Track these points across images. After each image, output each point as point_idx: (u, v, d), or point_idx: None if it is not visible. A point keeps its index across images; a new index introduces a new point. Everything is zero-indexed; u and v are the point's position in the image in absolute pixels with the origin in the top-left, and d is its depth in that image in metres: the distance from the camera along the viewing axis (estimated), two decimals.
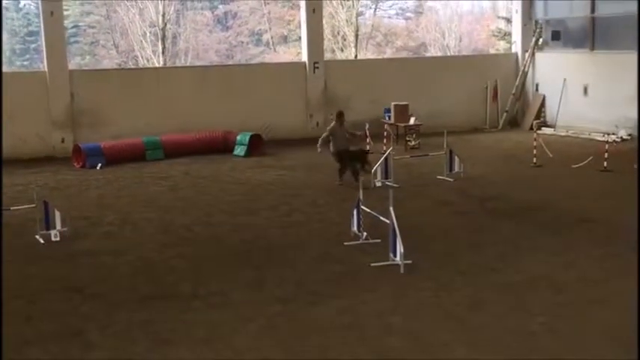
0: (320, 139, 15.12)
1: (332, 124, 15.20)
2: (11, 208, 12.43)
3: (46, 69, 20.31)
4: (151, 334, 7.50)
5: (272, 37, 41.96)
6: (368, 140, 19.28)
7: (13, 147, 19.63)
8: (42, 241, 11.22)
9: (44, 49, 20.54)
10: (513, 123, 24.19)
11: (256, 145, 19.59)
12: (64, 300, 8.63)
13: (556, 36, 23.68)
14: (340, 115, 15.20)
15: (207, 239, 11.31)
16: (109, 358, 6.98)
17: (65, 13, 23.06)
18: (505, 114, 24.09)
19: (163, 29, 35.24)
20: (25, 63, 44.66)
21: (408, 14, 45.21)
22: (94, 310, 8.27)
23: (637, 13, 19.54)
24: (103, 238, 11.56)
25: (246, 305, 8.30)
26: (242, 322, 7.78)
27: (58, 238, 11.31)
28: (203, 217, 12.72)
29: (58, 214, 11.48)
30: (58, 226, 11.44)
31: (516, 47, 24.84)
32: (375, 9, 42.14)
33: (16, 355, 7.08)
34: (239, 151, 19.53)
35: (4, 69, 20.66)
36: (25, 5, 50.19)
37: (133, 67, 34.30)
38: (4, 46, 48.69)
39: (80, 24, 41.91)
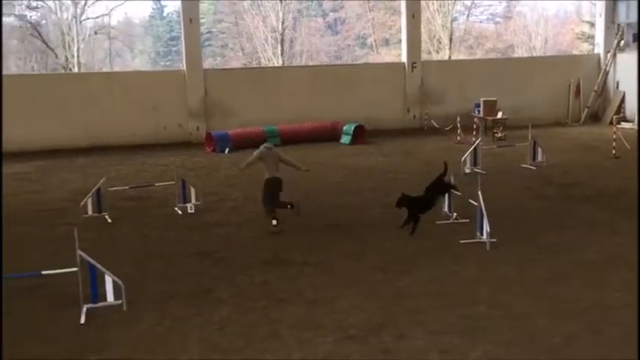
0: (245, 163, 11.13)
1: (261, 148, 10.94)
2: (155, 184, 12.97)
3: (184, 68, 20.99)
4: (269, 294, 7.68)
5: (375, 41, 41.71)
6: (459, 132, 18.93)
7: (156, 133, 20.50)
8: (179, 213, 11.65)
9: (183, 51, 21.22)
10: (594, 118, 23.14)
11: (360, 134, 19.59)
12: (197, 262, 8.94)
13: (637, 38, 22.40)
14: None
15: (316, 215, 11.42)
16: (235, 312, 7.18)
17: (201, 20, 23.69)
18: (587, 109, 23.06)
19: (282, 34, 35.69)
20: (168, 63, 46.30)
21: (498, 19, 43.88)
22: (221, 272, 8.53)
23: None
24: (230, 211, 11.88)
25: (349, 273, 8.36)
26: (346, 287, 7.84)
27: (192, 211, 11.71)
28: (312, 195, 12.85)
29: (193, 190, 11.89)
30: (193, 200, 11.86)
31: (599, 48, 23.68)
32: (468, 14, 41.13)
33: (160, 308, 7.39)
34: (345, 139, 19.58)
35: (150, 68, 21.47)
36: (168, 14, 51.92)
37: (256, 66, 34.94)
38: (150, 49, 50.69)
39: (213, 30, 43.02)
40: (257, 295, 7.64)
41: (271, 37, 36.02)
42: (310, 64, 35.33)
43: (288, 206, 10.76)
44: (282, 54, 35.57)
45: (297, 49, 38.81)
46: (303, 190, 13.28)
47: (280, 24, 35.47)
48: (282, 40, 35.80)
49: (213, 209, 11.92)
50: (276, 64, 34.69)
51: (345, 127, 19.79)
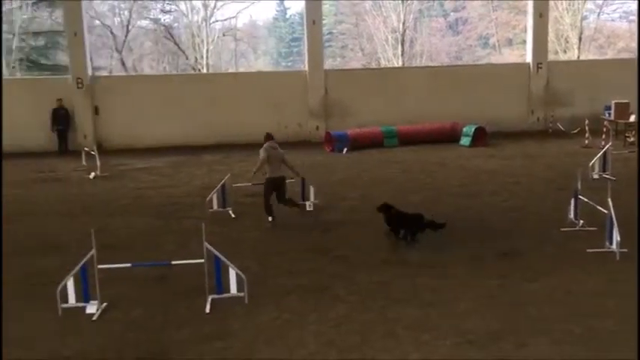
0: (256, 168, 11.18)
1: (265, 146, 11.10)
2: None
3: (306, 68, 21.38)
4: (386, 294, 7.67)
5: (498, 41, 40.56)
6: (587, 135, 18.05)
7: (277, 132, 20.92)
8: (298, 211, 11.87)
9: (306, 52, 21.62)
10: None
11: (480, 136, 19.13)
12: (315, 259, 9.08)
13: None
14: (269, 137, 11.44)
15: (435, 217, 11.26)
16: (352, 310, 7.24)
17: (322, 21, 24.03)
18: None
19: (403, 34, 35.49)
20: (289, 64, 47.30)
21: (632, 17, 41.34)
22: (339, 269, 8.62)
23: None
24: (347, 210, 11.97)
25: (468, 276, 8.19)
26: (464, 291, 7.69)
27: (311, 208, 11.91)
28: (431, 197, 12.71)
29: (312, 189, 12.09)
30: (312, 198, 12.05)
31: None
32: (600, 13, 39.06)
33: (279, 302, 7.59)
34: (464, 141, 19.20)
35: (272, 69, 22.04)
36: (290, 16, 53.06)
37: (375, 67, 34.97)
38: (273, 50, 52.03)
39: (333, 31, 43.48)
40: (374, 295, 7.66)
41: (392, 38, 35.92)
42: (430, 64, 34.92)
43: (297, 206, 11.07)
44: (402, 54, 35.37)
45: (417, 50, 38.46)
46: (422, 193, 13.16)
47: (401, 24, 35.29)
48: (403, 41, 35.60)
49: (331, 208, 12.06)
50: (396, 65, 34.55)
51: (464, 129, 19.40)
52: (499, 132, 20.05)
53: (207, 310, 7.28)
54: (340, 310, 7.27)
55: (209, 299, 7.44)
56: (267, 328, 6.84)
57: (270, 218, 11.04)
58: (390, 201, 10.38)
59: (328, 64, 37.21)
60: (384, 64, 35.77)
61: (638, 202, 11.07)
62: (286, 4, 52.91)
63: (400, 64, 34.90)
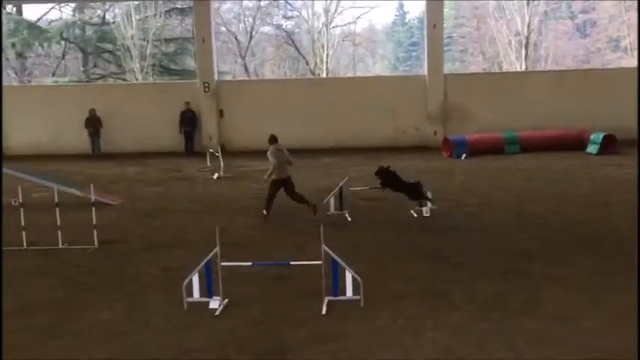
0: (269, 172, 11.71)
1: (271, 150, 11.62)
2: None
3: (425, 73, 21.17)
4: (505, 305, 7.43)
5: (630, 43, 38.26)
6: None
7: (394, 137, 20.96)
8: (415, 215, 11.76)
9: (425, 56, 21.41)
10: None
11: (610, 144, 18.14)
12: (432, 265, 8.95)
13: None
14: (274, 139, 11.81)
15: (559, 227, 10.81)
16: (470, 319, 7.07)
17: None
18: None
19: (527, 37, 34.31)
20: (407, 68, 47.04)
21: None
22: (456, 276, 8.44)
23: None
24: (465, 216, 11.72)
25: (595, 291, 7.76)
26: (591, 306, 7.30)
27: (428, 214, 11.75)
28: (555, 206, 12.19)
29: (429, 194, 11.93)
30: (429, 203, 11.90)
31: None
32: None
33: (395, 307, 7.54)
34: (591, 149, 18.29)
35: (390, 73, 21.99)
36: (409, 20, 52.75)
37: (497, 71, 34.05)
38: (391, 55, 51.92)
39: (453, 35, 42.79)
40: (492, 305, 7.44)
41: (515, 41, 34.81)
42: (556, 68, 33.53)
43: (307, 203, 11.61)
44: (525, 58, 34.20)
45: (541, 53, 37.06)
46: (543, 202, 12.67)
47: (525, 27, 34.13)
48: (527, 44, 34.41)
49: (448, 214, 11.86)
50: (519, 69, 33.46)
51: (592, 136, 18.47)
52: (632, 140, 18.89)
53: (324, 311, 7.35)
54: (457, 318, 7.11)
55: (325, 301, 7.51)
56: (383, 332, 6.81)
57: (265, 212, 11.61)
58: (509, 209, 10.10)
59: (447, 68, 36.73)
60: (505, 68, 34.75)
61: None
62: (405, 8, 52.67)
63: (523, 68, 33.77)
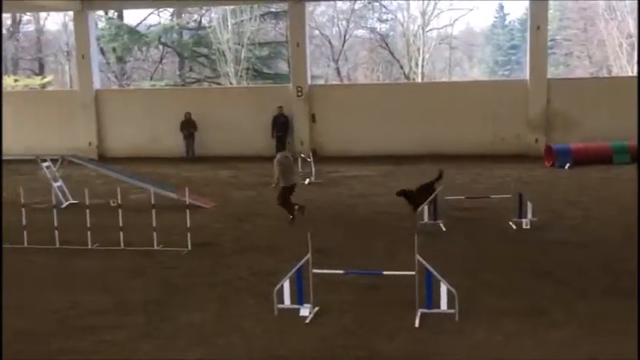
0: (275, 178, 12.23)
1: (278, 158, 12.24)
2: (491, 196, 12.98)
3: (527, 77, 20.62)
4: (609, 326, 7.12)
5: None
6: None
7: (492, 144, 20.53)
8: (514, 227, 11.48)
9: (527, 59, 20.88)
10: None
11: None
12: (532, 280, 8.70)
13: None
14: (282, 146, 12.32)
15: None
16: (572, 339, 6.83)
17: None
18: None
19: None
20: (506, 72, 45.94)
21: None
22: (558, 293, 8.17)
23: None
24: (568, 230, 11.34)
25: None
26: None
27: (528, 226, 11.43)
28: None
29: (529, 205, 11.61)
30: (529, 215, 11.57)
31: None
32: None
33: (492, 322, 7.38)
34: None
35: (488, 77, 21.55)
36: (509, 22, 51.52)
37: (606, 76, 32.72)
38: (489, 58, 50.87)
39: (557, 37, 41.45)
40: (596, 325, 7.15)
41: (626, 44, 33.34)
42: None
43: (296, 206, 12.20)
44: (638, 62, 32.69)
45: None
46: None
47: (638, 29, 32.62)
48: None
49: (550, 227, 11.50)
50: (630, 74, 32.00)
51: None
52: None
53: (417, 324, 7.30)
54: (557, 337, 6.89)
55: (418, 313, 7.46)
56: (479, 349, 6.69)
57: (291, 217, 12.13)
58: (615, 222, 9.69)
59: (550, 72, 35.64)
60: (615, 72, 33.34)
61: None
62: (506, 9, 51.46)
63: (635, 72, 32.28)
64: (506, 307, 7.70)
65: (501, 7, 51.34)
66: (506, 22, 51.82)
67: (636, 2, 32.21)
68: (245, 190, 16.10)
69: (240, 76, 32.49)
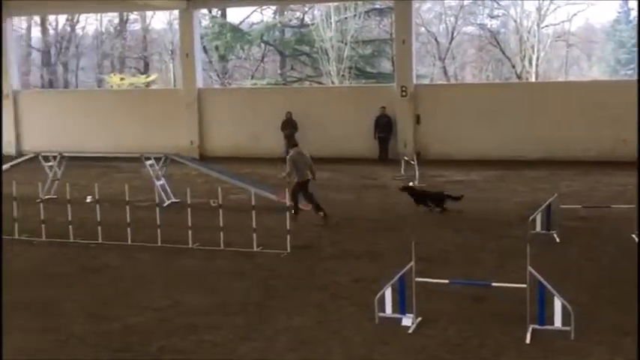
0: (286, 173, 12.89)
1: (292, 154, 12.86)
2: (611, 206, 12.42)
3: None
4: None
5: None
6: None
7: (613, 149, 19.66)
8: (636, 240, 10.92)
9: None
10: None
11: None
12: None
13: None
14: (294, 144, 13.35)
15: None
16: None
17: None
18: None
19: None
20: (629, 72, 43.84)
21: None
22: None
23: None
24: None
25: None
26: None
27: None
28: None
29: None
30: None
31: None
32: None
33: (612, 343, 7.06)
34: None
35: (608, 77, 20.60)
36: (634, 18, 49.14)
37: None
38: (610, 57, 48.74)
39: None
40: None
41: None
42: None
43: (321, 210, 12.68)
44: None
45: None
46: None
47: None
48: None
49: None
50: None
51: None
52: None
53: (528, 340, 7.08)
54: None
55: (530, 329, 7.23)
56: None
57: (321, 214, 12.66)
58: None
59: None
60: None
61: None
62: (631, 4, 49.11)
63: None
64: (629, 327, 7.33)
65: (625, 2, 49.08)
66: (631, 18, 49.47)
67: None
68: (345, 192, 16.17)
69: (343, 75, 32.68)
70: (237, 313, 8.12)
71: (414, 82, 22.12)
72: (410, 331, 7.43)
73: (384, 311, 7.68)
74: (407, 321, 7.56)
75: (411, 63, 21.69)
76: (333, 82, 32.31)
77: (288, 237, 10.67)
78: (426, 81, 33.92)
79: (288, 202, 11.24)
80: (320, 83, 33.94)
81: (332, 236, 11.88)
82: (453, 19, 38.03)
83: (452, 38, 38.07)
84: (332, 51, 32.75)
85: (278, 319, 7.91)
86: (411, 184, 15.34)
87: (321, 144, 21.85)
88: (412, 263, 7.62)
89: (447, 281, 8.03)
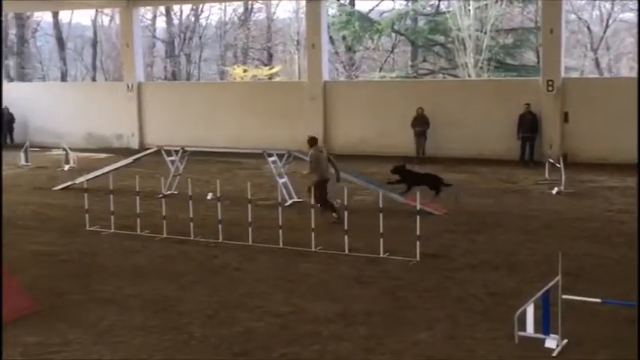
0: (308, 171, 13.65)
1: (311, 152, 13.52)
2: None
3: None
4: None
5: None
6: None
7: None
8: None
9: None
10: None
11: None
12: None
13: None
14: (314, 141, 13.74)
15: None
16: None
17: None
18: None
19: None
20: None
21: None
22: None
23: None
24: None
25: None
26: None
27: None
28: None
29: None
30: None
31: None
32: None
33: None
34: None
35: None
36: None
37: None
38: None
39: None
40: None
41: None
42: None
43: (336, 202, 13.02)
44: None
45: None
46: None
47: None
48: None
49: None
50: None
51: None
52: None
53: None
54: None
55: None
56: None
57: (335, 216, 12.88)
58: None
59: None
60: None
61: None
62: None
63: None
64: None
65: None
66: None
67: None
68: (481, 197, 15.88)
69: (481, 67, 32.05)
70: (361, 323, 8.16)
71: (562, 75, 21.35)
72: (554, 354, 7.19)
73: (524, 330, 7.46)
74: (551, 342, 7.32)
75: (559, 54, 20.96)
76: (469, 75, 31.76)
77: (418, 243, 10.61)
78: (576, 74, 32.65)
79: (419, 206, 11.14)
80: (455, 76, 33.47)
81: (466, 244, 11.70)
82: (608, 4, 36.39)
83: (606, 26, 36.46)
84: (469, 41, 32.17)
85: (406, 332, 7.88)
86: (416, 167, 16.14)
87: (456, 143, 21.59)
88: (558, 278, 7.36)
89: (598, 300, 7.68)
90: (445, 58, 36.03)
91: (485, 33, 32.16)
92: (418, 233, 10.58)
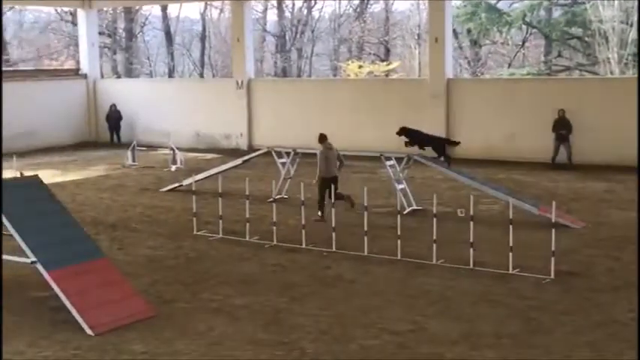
0: (319, 170, 14.22)
1: (321, 150, 14.31)
2: None
3: None
4: None
5: None
6: None
7: None
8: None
9: None
10: None
11: None
12: None
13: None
14: (324, 138, 14.44)
15: None
16: None
17: None
18: None
19: None
20: None
21: None
22: None
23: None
24: None
25: None
26: None
27: None
28: None
29: None
30: None
31: None
32: None
33: None
34: None
35: None
36: None
37: None
38: None
39: None
40: None
41: None
42: None
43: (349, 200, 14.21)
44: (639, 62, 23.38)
45: None
46: None
47: None
48: None
49: None
50: None
51: None
52: None
53: None
54: None
55: None
56: None
57: (320, 214, 13.92)
58: None
59: None
60: None
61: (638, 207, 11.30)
62: None
63: None
64: None
65: None
66: None
67: None
68: (626, 209, 15.23)
69: (625, 63, 30.84)
70: (489, 346, 8.01)
71: None
72: None
73: None
74: None
75: None
76: (612, 73, 30.62)
77: (553, 259, 10.31)
78: None
79: (554, 218, 10.80)
80: (595, 73, 32.35)
81: (608, 262, 11.28)
82: None
83: None
84: (613, 34, 31.00)
85: (539, 359, 7.66)
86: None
87: (597, 148, 20.78)
88: None
89: None
90: (583, 53, 34.90)
91: (631, 25, 30.89)
92: (553, 248, 10.29)
